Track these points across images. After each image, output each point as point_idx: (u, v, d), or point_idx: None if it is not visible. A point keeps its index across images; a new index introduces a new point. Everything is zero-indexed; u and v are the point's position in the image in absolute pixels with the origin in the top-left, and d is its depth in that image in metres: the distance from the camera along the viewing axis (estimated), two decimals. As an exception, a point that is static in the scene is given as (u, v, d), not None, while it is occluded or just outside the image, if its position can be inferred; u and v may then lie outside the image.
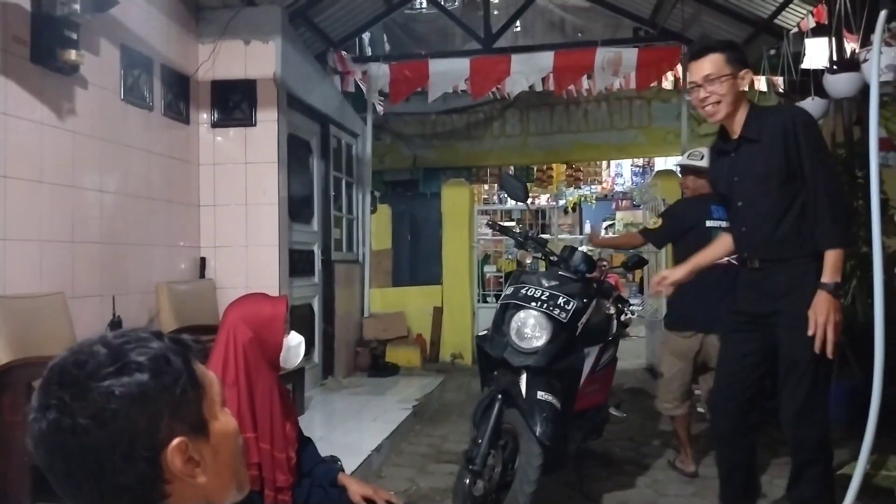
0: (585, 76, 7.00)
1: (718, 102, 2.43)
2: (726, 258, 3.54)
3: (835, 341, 2.30)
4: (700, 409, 4.80)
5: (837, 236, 2.34)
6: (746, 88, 2.47)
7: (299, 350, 2.16)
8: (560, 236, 9.26)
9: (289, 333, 2.14)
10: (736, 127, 2.50)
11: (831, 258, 2.31)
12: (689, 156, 3.81)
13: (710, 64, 2.43)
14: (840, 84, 4.32)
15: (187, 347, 0.79)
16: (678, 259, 3.60)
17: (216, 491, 0.79)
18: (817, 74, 4.76)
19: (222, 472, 0.79)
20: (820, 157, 2.38)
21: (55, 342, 3.19)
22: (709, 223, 3.47)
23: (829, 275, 2.30)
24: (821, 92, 4.74)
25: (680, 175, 4.37)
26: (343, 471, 2.45)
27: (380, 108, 7.50)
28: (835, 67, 4.46)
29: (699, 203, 3.59)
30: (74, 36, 3.37)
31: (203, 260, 4.83)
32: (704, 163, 3.46)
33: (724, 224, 3.12)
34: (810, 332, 2.30)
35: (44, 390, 0.75)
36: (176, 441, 0.74)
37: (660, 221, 3.86)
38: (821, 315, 2.29)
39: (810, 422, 2.42)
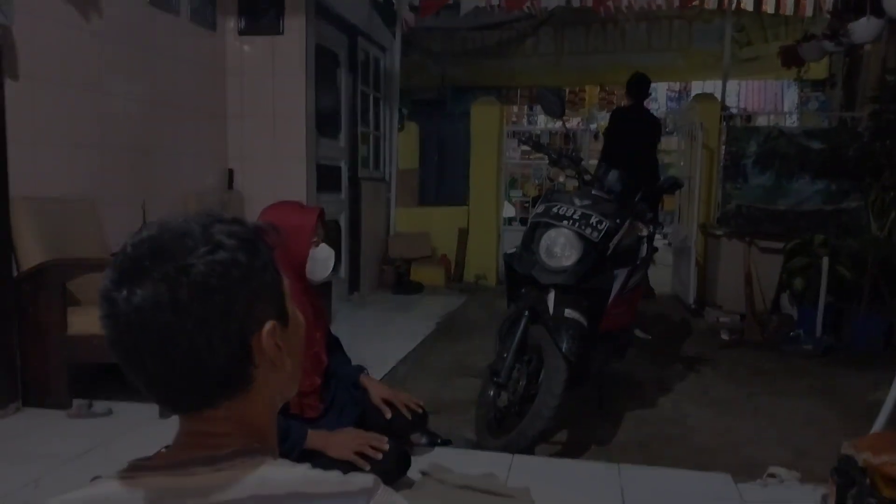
0: (626, -9, 6.65)
1: None
2: None
3: None
4: (724, 336, 4.80)
5: None
6: None
7: (328, 263, 2.11)
8: (590, 161, 9.07)
9: (318, 246, 2.10)
10: None
11: None
12: None
13: None
14: (901, 1, 4.07)
15: (264, 234, 0.77)
16: None
17: (288, 382, 0.79)
18: (875, -7, 4.49)
19: (295, 365, 0.79)
20: None
21: (86, 245, 3.23)
22: None
23: None
24: (877, 11, 4.48)
25: None
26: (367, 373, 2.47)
27: (410, 19, 7.25)
28: (896, -17, 4.18)
29: None
30: (99, -69, 3.26)
31: (231, 171, 4.82)
32: None
33: None
34: None
35: (131, 265, 0.69)
36: (270, 324, 0.72)
37: None
38: None
39: None
